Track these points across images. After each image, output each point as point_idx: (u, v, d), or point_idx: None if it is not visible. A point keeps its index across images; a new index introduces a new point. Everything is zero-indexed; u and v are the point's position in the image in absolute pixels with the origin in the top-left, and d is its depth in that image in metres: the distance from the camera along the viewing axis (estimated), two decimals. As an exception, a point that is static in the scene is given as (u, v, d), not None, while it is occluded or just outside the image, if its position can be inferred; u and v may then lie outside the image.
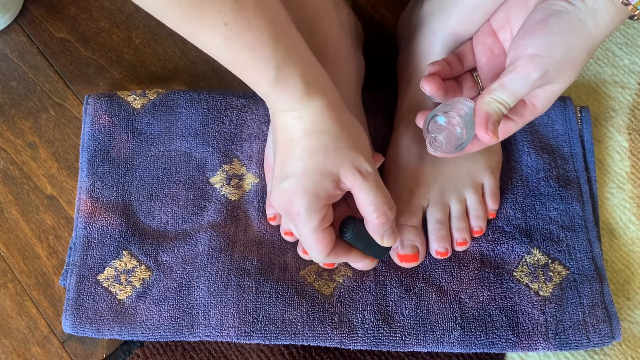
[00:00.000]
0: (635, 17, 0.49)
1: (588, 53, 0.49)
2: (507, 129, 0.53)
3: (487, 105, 0.50)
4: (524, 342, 0.58)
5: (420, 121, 0.56)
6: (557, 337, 0.58)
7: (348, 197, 0.55)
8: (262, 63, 0.47)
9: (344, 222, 0.55)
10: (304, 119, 0.50)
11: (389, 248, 0.56)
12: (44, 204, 0.66)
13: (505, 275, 0.60)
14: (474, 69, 0.59)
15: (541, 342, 0.58)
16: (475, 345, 0.58)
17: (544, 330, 0.58)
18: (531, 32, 0.49)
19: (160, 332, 0.58)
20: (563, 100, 0.68)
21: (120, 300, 0.60)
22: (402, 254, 0.59)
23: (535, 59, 0.48)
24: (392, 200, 0.53)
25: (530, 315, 0.59)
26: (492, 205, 0.62)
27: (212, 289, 0.59)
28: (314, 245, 0.53)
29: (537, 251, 0.61)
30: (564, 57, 0.48)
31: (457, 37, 0.59)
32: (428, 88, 0.55)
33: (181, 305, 0.59)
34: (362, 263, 0.57)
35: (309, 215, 0.51)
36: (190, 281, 0.60)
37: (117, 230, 0.62)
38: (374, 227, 0.53)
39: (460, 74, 0.58)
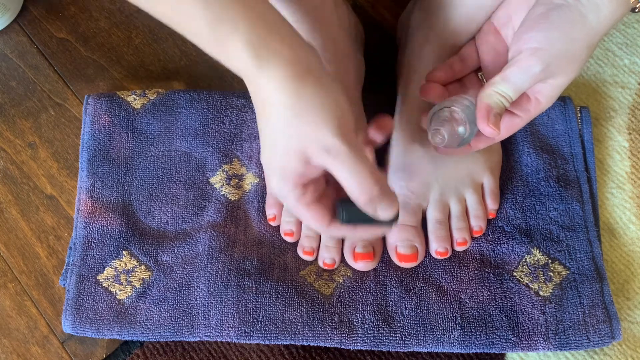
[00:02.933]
0: (637, 10, 0.49)
1: (590, 47, 0.49)
2: (512, 125, 0.53)
3: (489, 97, 0.50)
4: (524, 342, 0.58)
5: (424, 122, 0.56)
6: (557, 337, 0.58)
7: None
8: (192, 20, 0.42)
9: (336, 207, 0.49)
10: (263, 89, 0.44)
11: (396, 216, 0.49)
12: (44, 204, 0.66)
13: (505, 275, 0.60)
14: (478, 69, 0.59)
15: (541, 342, 0.58)
16: (475, 346, 0.58)
17: (544, 330, 0.58)
18: (533, 25, 0.49)
19: (160, 332, 0.58)
20: (563, 100, 0.68)
21: (120, 300, 0.60)
22: (402, 253, 0.59)
23: (536, 52, 0.48)
24: (375, 171, 0.46)
25: (530, 315, 0.59)
26: (492, 205, 0.62)
27: (212, 289, 0.59)
28: (305, 220, 0.49)
29: (537, 251, 0.61)
30: (565, 50, 0.48)
31: (457, 37, 0.59)
32: (427, 96, 0.55)
33: (181, 306, 0.59)
34: (374, 234, 0.52)
35: (287, 195, 0.46)
36: (190, 281, 0.60)
37: (117, 230, 0.62)
38: (362, 206, 0.47)
39: (464, 75, 0.58)
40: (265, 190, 0.64)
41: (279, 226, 0.62)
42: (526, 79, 0.49)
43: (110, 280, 0.61)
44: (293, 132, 0.44)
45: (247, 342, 0.58)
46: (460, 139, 0.53)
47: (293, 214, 0.50)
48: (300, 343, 0.58)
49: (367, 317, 0.59)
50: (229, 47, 0.42)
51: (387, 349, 0.58)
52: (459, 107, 0.52)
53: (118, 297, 0.60)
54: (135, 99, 0.68)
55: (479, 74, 0.58)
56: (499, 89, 0.49)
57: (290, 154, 0.45)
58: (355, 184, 0.45)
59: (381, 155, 0.63)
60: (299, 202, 0.47)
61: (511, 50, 0.51)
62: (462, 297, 0.60)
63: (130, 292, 0.60)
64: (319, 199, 0.48)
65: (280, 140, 0.45)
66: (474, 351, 0.58)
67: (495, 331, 0.58)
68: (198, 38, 0.43)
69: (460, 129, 0.52)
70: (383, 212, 0.47)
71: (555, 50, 0.48)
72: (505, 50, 0.56)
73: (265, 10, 0.44)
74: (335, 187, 0.49)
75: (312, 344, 0.58)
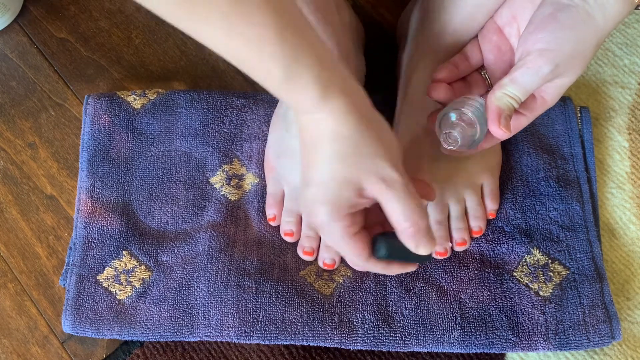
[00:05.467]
0: None
1: (596, 45, 0.49)
2: (518, 124, 0.53)
3: (499, 100, 0.50)
4: (524, 342, 0.58)
5: (431, 121, 0.56)
6: (557, 337, 0.58)
7: None
8: (267, 61, 0.43)
9: (374, 242, 0.51)
10: (322, 123, 0.46)
11: (430, 254, 0.51)
12: (44, 204, 0.66)
13: (505, 275, 0.60)
14: (481, 67, 0.59)
15: (541, 342, 0.58)
16: (475, 346, 0.58)
17: (544, 330, 0.58)
18: (540, 26, 0.49)
19: (160, 332, 0.58)
20: (563, 100, 0.68)
21: (120, 300, 0.60)
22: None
23: (545, 53, 0.48)
24: (422, 207, 0.48)
25: (530, 315, 0.59)
26: (491, 205, 0.62)
27: (212, 289, 0.59)
28: (348, 255, 0.50)
29: (537, 251, 0.61)
30: (573, 50, 0.49)
31: (458, 36, 0.59)
32: (435, 96, 0.55)
33: (181, 306, 0.59)
34: (405, 270, 0.54)
35: (332, 225, 0.48)
36: (190, 281, 0.60)
37: (117, 230, 0.62)
38: (406, 238, 0.48)
39: (468, 73, 0.58)
40: (265, 190, 0.64)
41: (278, 226, 0.62)
42: (535, 80, 0.49)
43: (110, 280, 0.61)
44: (351, 163, 0.46)
45: (247, 342, 0.58)
46: (471, 141, 0.53)
47: (333, 245, 0.51)
48: (300, 343, 0.58)
49: (367, 317, 0.59)
50: (297, 83, 0.44)
51: (387, 349, 0.58)
52: (468, 109, 0.52)
53: (118, 297, 0.60)
54: (135, 99, 0.68)
55: (482, 72, 0.59)
56: (508, 91, 0.50)
57: (345, 184, 0.47)
58: (405, 216, 0.47)
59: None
60: (345, 232, 0.48)
61: (518, 51, 0.51)
62: (462, 297, 0.60)
63: (130, 292, 0.60)
64: (359, 234, 0.49)
65: (337, 171, 0.46)
66: (474, 351, 0.58)
67: (495, 331, 0.58)
68: (267, 75, 0.44)
69: (472, 131, 0.52)
70: (424, 248, 0.48)
71: (563, 51, 0.48)
72: (509, 49, 0.56)
73: (327, 52, 0.46)
74: (367, 228, 0.51)
75: (312, 344, 0.58)
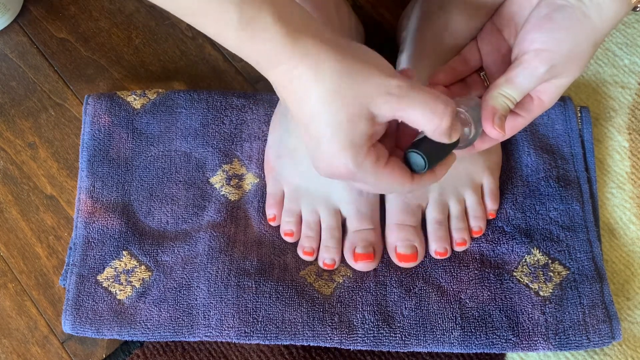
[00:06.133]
0: (638, 9, 0.49)
1: (593, 46, 0.49)
2: (515, 125, 0.53)
3: (494, 99, 0.50)
4: (524, 342, 0.58)
5: None
6: (557, 337, 0.58)
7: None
8: (217, 4, 0.40)
9: (407, 159, 0.48)
10: (299, 70, 0.42)
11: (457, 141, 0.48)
12: (44, 204, 0.66)
13: (505, 275, 0.60)
14: (480, 68, 0.59)
15: (541, 342, 0.58)
16: (475, 346, 0.58)
17: (544, 330, 0.58)
18: (537, 27, 0.49)
19: (160, 332, 0.58)
20: (563, 100, 0.68)
21: (120, 300, 0.60)
22: (402, 253, 0.59)
23: (541, 53, 0.48)
24: (440, 94, 0.44)
25: (530, 315, 0.59)
26: (491, 205, 0.62)
27: (212, 289, 0.59)
28: (392, 186, 0.47)
29: (537, 251, 0.61)
30: (570, 51, 0.49)
31: (458, 37, 0.59)
32: None
33: (181, 306, 0.59)
34: (449, 166, 0.50)
35: (362, 167, 0.44)
36: (190, 281, 0.60)
37: (117, 230, 0.62)
38: (441, 134, 0.45)
39: (466, 75, 0.58)
40: (265, 190, 0.64)
41: (279, 226, 0.63)
42: (531, 81, 0.49)
43: (110, 280, 0.61)
44: (350, 96, 0.43)
45: (247, 342, 0.58)
46: (465, 140, 0.53)
47: (373, 188, 0.48)
48: (300, 343, 0.58)
49: (367, 317, 0.59)
50: (257, 28, 0.41)
51: (387, 349, 0.58)
52: (463, 109, 0.52)
53: (118, 297, 0.60)
54: (135, 99, 0.68)
55: (481, 74, 0.59)
56: (503, 91, 0.50)
57: (355, 118, 0.43)
58: (431, 112, 0.43)
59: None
60: (378, 167, 0.45)
61: (515, 51, 0.51)
62: (462, 297, 0.60)
63: (130, 292, 0.60)
64: (390, 162, 0.46)
65: (340, 110, 0.43)
66: (474, 351, 0.58)
67: (495, 331, 0.58)
68: (222, 22, 0.41)
69: (466, 130, 0.52)
70: (456, 132, 0.46)
71: (559, 52, 0.48)
72: (508, 50, 0.56)
73: None
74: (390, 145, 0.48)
75: (312, 344, 0.58)
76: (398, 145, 0.49)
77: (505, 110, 0.50)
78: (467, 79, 0.58)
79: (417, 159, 0.47)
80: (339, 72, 0.42)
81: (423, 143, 0.47)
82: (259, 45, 0.41)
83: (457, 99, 0.53)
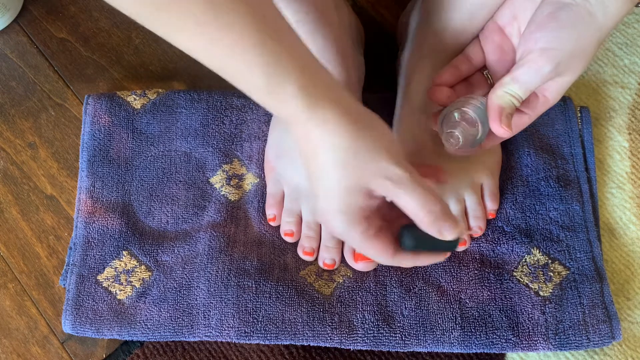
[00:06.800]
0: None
1: (597, 44, 0.50)
2: (520, 123, 0.53)
3: (500, 98, 0.50)
4: (524, 342, 0.58)
5: (433, 121, 0.56)
6: (557, 337, 0.58)
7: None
8: (246, 69, 0.43)
9: (400, 235, 0.51)
10: (315, 132, 0.45)
11: (457, 239, 0.50)
12: (44, 204, 0.66)
13: (505, 275, 0.60)
14: (483, 67, 0.59)
15: (541, 342, 0.58)
16: (475, 346, 0.58)
17: (544, 330, 0.58)
18: (541, 25, 0.50)
19: (160, 332, 0.58)
20: (563, 100, 0.68)
21: (120, 300, 0.60)
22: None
23: (546, 52, 0.49)
24: (435, 193, 0.48)
25: (530, 315, 0.59)
26: (491, 205, 0.62)
27: (212, 289, 0.59)
28: (373, 255, 0.50)
29: (537, 251, 0.61)
30: (574, 49, 0.49)
31: (459, 36, 0.59)
32: (436, 99, 0.55)
33: (181, 306, 0.59)
34: (434, 260, 0.54)
35: (351, 232, 0.48)
36: (190, 281, 0.60)
37: (117, 230, 0.62)
38: (426, 227, 0.48)
39: (470, 74, 0.58)
40: (265, 190, 0.64)
41: (278, 226, 0.62)
42: (536, 79, 0.49)
43: (110, 280, 0.61)
44: (353, 171, 0.46)
45: (247, 342, 0.58)
46: (473, 140, 0.53)
47: (358, 249, 0.51)
48: (300, 343, 0.58)
49: (367, 317, 0.59)
50: (281, 93, 0.44)
51: (387, 349, 0.58)
52: (470, 108, 0.52)
53: (118, 297, 0.60)
54: (135, 99, 0.68)
55: (484, 72, 0.59)
56: (509, 90, 0.50)
57: (353, 190, 0.46)
58: (420, 205, 0.47)
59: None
60: (365, 236, 0.48)
61: (519, 50, 0.51)
62: (462, 297, 0.60)
63: (130, 292, 0.60)
64: (380, 233, 0.49)
65: (342, 180, 0.46)
66: (474, 351, 0.58)
67: (495, 331, 0.58)
68: (249, 85, 0.44)
69: (474, 130, 0.52)
70: (448, 232, 0.48)
71: (564, 50, 0.49)
72: (511, 49, 0.56)
73: (310, 58, 0.46)
74: (390, 221, 0.51)
75: (312, 344, 0.58)
76: (401, 216, 0.51)
77: (511, 109, 0.50)
78: (470, 78, 0.59)
79: (405, 239, 0.50)
80: (348, 148, 0.45)
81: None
82: (282, 108, 0.45)
83: (461, 99, 0.53)
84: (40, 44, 0.74)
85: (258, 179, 0.65)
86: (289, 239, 0.62)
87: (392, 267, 0.61)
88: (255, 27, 0.42)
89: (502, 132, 0.50)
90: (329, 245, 0.60)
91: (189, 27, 0.41)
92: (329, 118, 0.45)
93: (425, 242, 0.49)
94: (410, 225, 0.50)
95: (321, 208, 0.48)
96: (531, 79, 0.49)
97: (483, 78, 0.58)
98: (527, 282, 0.60)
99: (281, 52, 0.43)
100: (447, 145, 0.53)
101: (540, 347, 0.58)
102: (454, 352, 0.59)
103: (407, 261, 0.51)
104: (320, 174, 0.47)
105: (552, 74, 0.49)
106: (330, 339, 0.58)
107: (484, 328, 0.58)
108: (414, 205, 0.47)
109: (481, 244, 0.62)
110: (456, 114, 0.53)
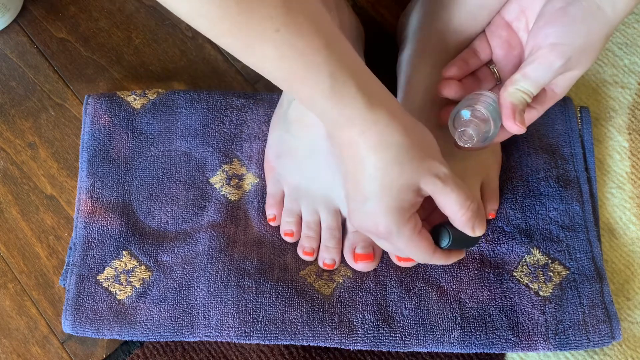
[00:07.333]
0: None
1: (606, 38, 0.50)
2: (529, 117, 0.54)
3: (512, 95, 0.50)
4: (524, 342, 0.58)
5: (443, 119, 0.56)
6: (557, 337, 0.58)
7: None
8: (315, 70, 0.44)
9: (436, 232, 0.54)
10: (370, 133, 0.47)
11: (480, 236, 0.54)
12: (44, 204, 0.66)
13: (505, 275, 0.60)
14: (489, 61, 0.59)
15: (541, 342, 0.58)
16: (475, 346, 0.58)
17: (544, 330, 0.58)
18: (551, 21, 0.50)
19: (160, 332, 0.58)
20: (563, 100, 0.68)
21: (120, 300, 0.60)
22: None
23: (556, 47, 0.49)
24: (470, 192, 0.51)
25: (530, 315, 0.59)
26: (491, 205, 0.62)
27: (212, 289, 0.59)
28: (417, 253, 0.52)
29: (537, 251, 0.61)
30: (584, 44, 0.49)
31: (459, 36, 0.59)
32: (446, 93, 0.55)
33: (181, 306, 0.59)
34: (458, 257, 0.56)
35: (401, 230, 0.50)
36: (190, 281, 0.60)
37: (117, 230, 0.62)
38: (462, 224, 0.51)
39: (477, 68, 0.59)
40: (265, 191, 0.64)
41: (279, 226, 0.63)
42: (547, 75, 0.50)
43: (110, 280, 0.61)
44: (408, 168, 0.48)
45: (247, 342, 0.58)
46: (485, 137, 0.53)
47: (404, 249, 0.52)
48: (300, 343, 0.58)
49: (367, 317, 0.59)
50: (345, 94, 0.45)
51: (387, 349, 0.58)
52: (482, 106, 0.52)
53: (118, 297, 0.60)
54: (135, 99, 0.68)
55: (490, 67, 0.59)
56: (520, 87, 0.50)
57: (407, 188, 0.48)
58: (460, 202, 0.50)
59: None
60: (413, 233, 0.51)
61: (528, 45, 0.51)
62: (462, 297, 0.60)
63: (130, 292, 0.60)
64: (423, 231, 0.52)
65: (399, 177, 0.48)
66: (474, 351, 0.58)
67: (495, 331, 0.58)
68: (315, 88, 0.45)
69: (486, 127, 0.52)
70: (479, 229, 0.52)
71: (575, 45, 0.49)
72: (518, 44, 0.56)
73: (360, 59, 0.47)
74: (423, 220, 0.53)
75: (312, 344, 0.58)
76: (427, 219, 0.55)
77: (523, 106, 0.51)
78: (477, 72, 0.59)
79: (444, 237, 0.53)
80: (403, 145, 0.47)
81: (451, 224, 0.52)
82: (342, 109, 0.46)
83: (471, 96, 0.53)
84: (40, 44, 0.74)
85: (258, 179, 0.65)
86: (289, 239, 0.62)
87: (392, 267, 0.61)
88: (321, 30, 0.44)
89: (516, 129, 0.51)
90: (329, 246, 0.60)
91: (268, 32, 0.43)
92: (382, 117, 0.47)
93: (456, 240, 0.53)
94: (443, 224, 0.53)
95: (370, 210, 0.49)
96: (542, 75, 0.50)
97: (489, 72, 0.58)
98: (527, 282, 0.60)
99: (341, 53, 0.45)
100: (460, 143, 0.53)
101: (540, 347, 0.58)
102: (454, 352, 0.59)
103: (441, 259, 0.54)
104: (375, 173, 0.48)
105: (562, 68, 0.49)
106: (330, 339, 0.58)
107: (484, 328, 0.58)
108: (454, 203, 0.49)
109: (481, 244, 0.62)
110: (468, 112, 0.52)
